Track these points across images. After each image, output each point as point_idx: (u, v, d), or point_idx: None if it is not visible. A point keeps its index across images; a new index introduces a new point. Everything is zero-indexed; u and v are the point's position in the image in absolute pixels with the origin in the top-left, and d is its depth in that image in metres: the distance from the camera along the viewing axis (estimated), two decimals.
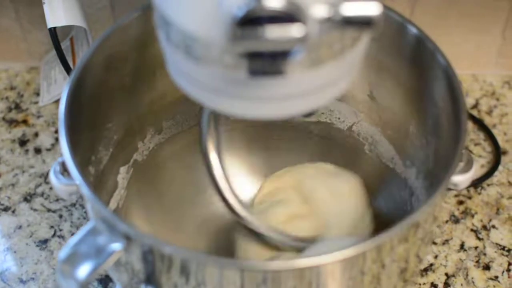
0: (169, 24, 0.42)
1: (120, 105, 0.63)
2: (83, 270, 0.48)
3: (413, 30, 0.59)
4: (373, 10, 0.39)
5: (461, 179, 0.53)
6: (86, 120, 0.59)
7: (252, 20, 0.37)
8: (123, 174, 0.66)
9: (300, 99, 0.44)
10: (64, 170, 0.54)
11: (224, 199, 0.61)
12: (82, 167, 0.55)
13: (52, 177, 0.55)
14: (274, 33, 0.37)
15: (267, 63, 0.40)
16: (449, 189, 0.54)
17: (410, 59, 0.61)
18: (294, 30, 0.37)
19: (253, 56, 0.39)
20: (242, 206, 0.62)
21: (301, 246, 0.64)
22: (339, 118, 0.70)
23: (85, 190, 0.51)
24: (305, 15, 0.38)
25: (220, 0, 0.39)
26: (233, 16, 0.37)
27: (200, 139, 0.59)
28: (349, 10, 0.39)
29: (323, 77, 0.43)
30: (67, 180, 0.54)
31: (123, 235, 0.49)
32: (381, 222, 0.67)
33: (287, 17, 0.37)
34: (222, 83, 0.43)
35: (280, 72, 0.40)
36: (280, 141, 0.72)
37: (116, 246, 0.49)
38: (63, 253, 0.49)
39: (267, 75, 0.41)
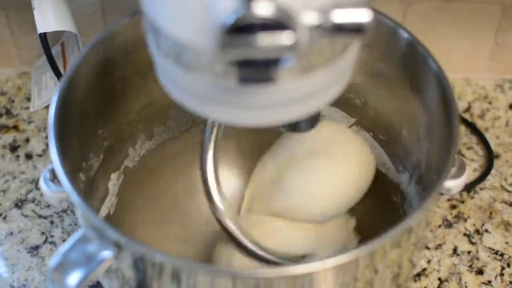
0: (158, 31, 0.42)
1: (111, 112, 0.63)
2: (74, 278, 0.48)
3: (405, 35, 0.59)
4: (364, 17, 0.38)
5: (453, 184, 0.53)
6: (77, 126, 0.58)
7: (241, 28, 0.37)
8: (114, 181, 0.65)
9: (291, 106, 0.44)
10: (54, 177, 0.53)
11: (213, 210, 0.60)
12: (72, 174, 0.54)
13: (42, 185, 0.54)
14: (264, 40, 0.37)
15: (257, 70, 0.39)
16: (442, 194, 0.53)
17: (402, 64, 0.60)
18: (284, 38, 0.37)
19: (243, 64, 0.39)
20: (232, 222, 0.60)
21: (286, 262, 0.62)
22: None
23: (74, 198, 0.50)
24: (295, 23, 0.37)
25: (210, 8, 0.38)
26: (223, 24, 0.37)
27: (201, 152, 0.59)
28: (340, 17, 0.38)
29: (314, 84, 0.43)
30: (57, 187, 0.53)
31: (114, 243, 0.48)
32: (373, 228, 0.67)
33: (277, 24, 0.37)
34: (212, 91, 0.43)
35: (271, 79, 0.40)
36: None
37: (107, 254, 0.48)
38: (53, 261, 0.48)
39: (258, 83, 0.41)
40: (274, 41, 0.37)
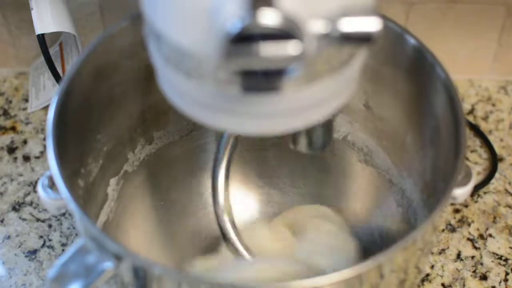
0: (160, 38, 0.41)
1: (110, 116, 0.62)
2: None
3: (411, 40, 0.58)
4: (372, 25, 0.37)
5: (460, 192, 0.52)
6: (75, 131, 0.57)
7: (246, 37, 0.36)
8: (113, 186, 0.64)
9: (295, 115, 0.43)
10: (52, 184, 0.52)
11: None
12: (71, 180, 0.54)
13: (40, 191, 0.53)
14: (269, 50, 0.36)
15: (262, 80, 0.38)
16: None
17: (408, 70, 0.59)
18: (290, 48, 0.36)
19: (247, 73, 0.38)
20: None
21: None
22: (334, 128, 0.69)
23: (73, 207, 0.49)
24: (301, 32, 0.36)
25: (214, 15, 0.37)
26: (227, 33, 0.36)
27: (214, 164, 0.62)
28: (348, 25, 0.37)
29: (319, 93, 0.42)
30: (55, 194, 0.52)
31: (113, 254, 0.47)
32: (377, 235, 0.66)
33: (283, 34, 0.36)
34: (214, 99, 0.42)
35: (275, 89, 0.39)
36: (275, 151, 0.71)
37: (106, 265, 0.47)
38: (52, 272, 0.48)
39: (262, 92, 0.40)
40: (280, 51, 0.36)
